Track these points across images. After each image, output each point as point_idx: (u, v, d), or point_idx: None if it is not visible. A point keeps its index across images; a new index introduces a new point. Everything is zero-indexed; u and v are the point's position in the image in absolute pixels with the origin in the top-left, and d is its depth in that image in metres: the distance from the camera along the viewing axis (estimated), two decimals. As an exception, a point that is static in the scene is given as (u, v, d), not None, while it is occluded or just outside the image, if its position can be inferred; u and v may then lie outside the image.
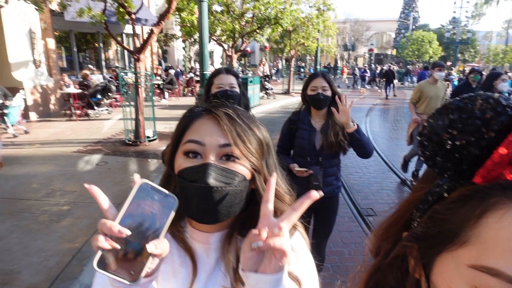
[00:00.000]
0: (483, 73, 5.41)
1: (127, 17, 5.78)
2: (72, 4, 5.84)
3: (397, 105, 13.30)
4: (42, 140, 6.33)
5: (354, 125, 1.85)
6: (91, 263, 2.56)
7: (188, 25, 9.67)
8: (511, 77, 8.73)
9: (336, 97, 1.89)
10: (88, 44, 12.28)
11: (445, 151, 0.33)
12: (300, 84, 11.39)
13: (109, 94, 8.99)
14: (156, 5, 14.45)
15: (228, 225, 0.69)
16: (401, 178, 4.91)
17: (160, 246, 0.49)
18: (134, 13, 5.69)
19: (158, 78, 12.35)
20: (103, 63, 12.44)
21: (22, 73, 7.86)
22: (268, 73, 15.80)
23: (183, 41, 17.01)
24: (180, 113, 0.71)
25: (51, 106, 8.95)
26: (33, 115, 8.11)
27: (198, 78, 11.56)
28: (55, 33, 10.05)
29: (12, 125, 6.52)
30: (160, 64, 15.60)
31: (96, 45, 12.19)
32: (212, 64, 19.81)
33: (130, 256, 0.48)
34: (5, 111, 6.33)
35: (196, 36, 10.43)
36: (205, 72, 6.10)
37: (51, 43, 9.53)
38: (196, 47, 16.53)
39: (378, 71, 21.14)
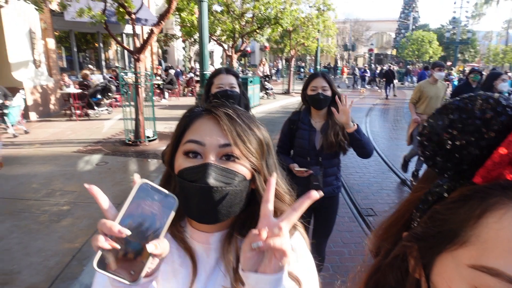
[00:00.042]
0: (483, 73, 5.41)
1: (127, 17, 5.78)
2: (72, 4, 5.84)
3: (397, 105, 13.31)
4: (42, 140, 6.33)
5: (354, 125, 1.85)
6: (91, 263, 2.56)
7: (188, 25, 9.68)
8: (511, 77, 8.73)
9: (336, 97, 1.89)
10: (88, 44, 12.28)
11: (445, 151, 0.33)
12: (300, 84, 11.40)
13: (109, 94, 8.99)
14: (156, 5, 14.45)
15: (228, 225, 0.69)
16: (401, 178, 4.91)
17: (160, 246, 0.49)
18: (134, 13, 5.69)
19: (158, 78, 12.35)
20: (103, 63, 12.44)
21: (22, 73, 7.86)
22: (268, 73, 15.80)
23: (183, 41, 17.01)
24: (180, 113, 0.71)
25: (51, 106, 8.96)
26: (33, 115, 8.11)
27: (198, 78, 11.56)
28: (55, 33, 10.05)
29: (12, 125, 6.52)
30: (160, 64, 15.60)
31: (96, 45, 12.20)
32: (212, 64, 19.82)
33: (130, 256, 0.48)
34: (5, 111, 6.33)
35: (196, 36, 10.43)
36: (205, 72, 6.10)
37: (51, 43, 9.53)
38: (196, 47, 16.53)
39: (378, 71, 21.15)
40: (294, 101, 12.77)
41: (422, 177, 0.41)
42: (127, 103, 6.27)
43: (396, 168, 5.24)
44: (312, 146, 2.02)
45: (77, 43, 11.42)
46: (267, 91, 13.74)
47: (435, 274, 0.34)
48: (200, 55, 6.27)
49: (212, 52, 20.81)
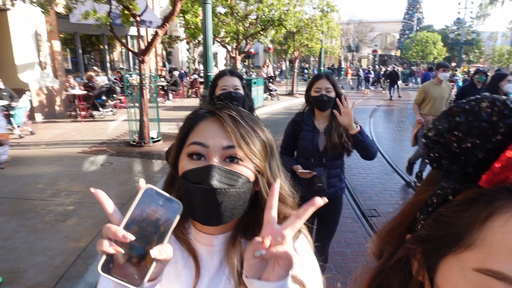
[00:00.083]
0: (488, 74, 5.36)
1: (132, 19, 5.82)
2: (78, 6, 5.90)
3: (401, 106, 13.24)
4: (48, 141, 6.39)
5: (357, 126, 1.85)
6: (96, 262, 2.58)
7: (192, 27, 9.72)
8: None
9: (337, 99, 1.89)
10: (93, 46, 12.38)
11: (451, 153, 0.33)
12: (304, 85, 11.36)
13: (113, 95, 9.05)
14: (161, 7, 14.54)
15: (232, 227, 0.68)
16: (404, 179, 4.88)
17: (163, 251, 0.49)
18: (139, 15, 5.73)
19: (162, 79, 12.41)
20: (108, 64, 12.54)
21: (28, 74, 7.95)
22: (272, 75, 15.82)
23: (187, 43, 17.08)
24: (184, 114, 0.71)
25: (57, 107, 9.04)
26: (38, 116, 8.19)
27: (202, 80, 11.61)
28: (61, 35, 10.15)
29: (18, 126, 6.59)
30: (164, 65, 15.68)
31: (101, 47, 12.30)
32: (216, 65, 19.88)
33: (134, 260, 0.48)
34: (11, 112, 6.40)
35: (200, 37, 10.46)
36: (209, 74, 6.12)
37: (57, 45, 9.63)
38: (200, 48, 16.58)
39: (382, 72, 21.06)
40: (297, 102, 12.76)
41: (426, 179, 0.41)
42: (131, 105, 6.31)
43: (400, 169, 5.21)
44: (315, 147, 2.02)
45: (82, 45, 11.52)
46: (271, 92, 13.74)
47: (439, 277, 0.33)
48: (204, 57, 6.29)
49: (216, 53, 20.87)
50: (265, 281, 0.50)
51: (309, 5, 13.13)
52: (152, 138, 6.25)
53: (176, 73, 13.06)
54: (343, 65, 34.34)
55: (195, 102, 12.11)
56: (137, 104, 6.23)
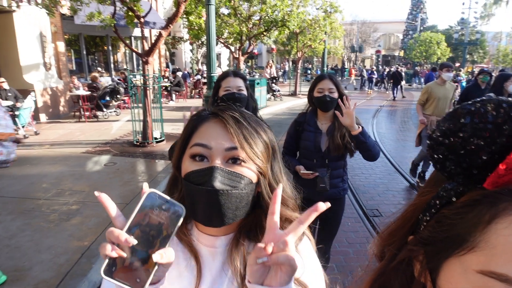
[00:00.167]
0: (492, 74, 5.32)
1: (136, 20, 5.85)
2: (82, 8, 5.94)
3: (405, 107, 13.17)
4: (52, 141, 6.44)
5: (359, 127, 1.84)
6: (99, 261, 2.60)
7: (196, 28, 9.73)
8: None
9: (339, 100, 1.88)
10: (97, 47, 12.45)
11: (455, 155, 0.32)
12: (307, 86, 11.36)
13: (117, 96, 9.09)
14: (164, 9, 14.60)
15: (234, 228, 0.68)
16: (407, 180, 4.86)
17: (166, 255, 0.49)
18: (143, 17, 5.76)
19: (166, 80, 12.45)
20: (112, 65, 12.60)
21: (32, 75, 8.02)
22: (275, 75, 15.81)
23: (191, 44, 17.13)
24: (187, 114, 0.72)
25: (61, 108, 9.10)
26: (43, 117, 8.26)
27: (205, 80, 11.63)
28: (65, 36, 10.23)
29: (23, 126, 6.65)
30: (167, 66, 15.73)
31: (105, 48, 12.36)
32: (219, 66, 19.90)
33: (137, 264, 0.49)
34: (16, 112, 6.46)
35: (204, 38, 10.49)
36: (212, 74, 6.13)
37: (61, 46, 9.70)
38: (204, 49, 16.63)
39: (385, 73, 20.97)
40: (300, 102, 12.74)
41: (429, 180, 0.41)
42: (135, 105, 6.34)
43: (403, 169, 5.19)
44: (318, 148, 2.01)
45: (86, 46, 11.59)
46: (274, 93, 13.74)
47: (441, 279, 0.33)
48: (208, 58, 6.31)
49: (219, 54, 20.92)
50: (268, 287, 0.50)
51: (312, 6, 13.11)
52: (156, 138, 6.27)
53: (179, 73, 13.11)
54: (347, 65, 34.23)
55: (198, 102, 12.14)
56: (140, 105, 6.26)
